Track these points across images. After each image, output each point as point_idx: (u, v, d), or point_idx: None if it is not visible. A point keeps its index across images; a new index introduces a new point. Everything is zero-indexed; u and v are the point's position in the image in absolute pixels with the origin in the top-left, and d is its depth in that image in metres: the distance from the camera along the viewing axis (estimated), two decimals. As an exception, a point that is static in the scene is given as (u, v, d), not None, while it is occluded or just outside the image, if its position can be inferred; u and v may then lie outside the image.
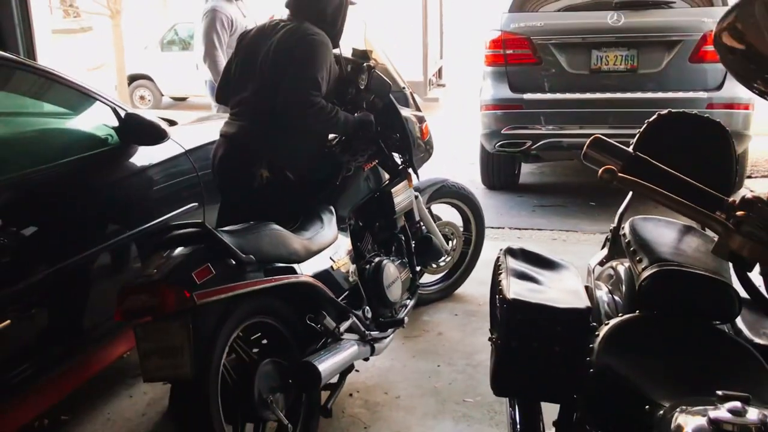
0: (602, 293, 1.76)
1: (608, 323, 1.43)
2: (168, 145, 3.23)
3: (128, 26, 15.82)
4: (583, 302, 1.59)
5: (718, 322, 1.45)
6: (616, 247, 1.84)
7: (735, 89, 5.24)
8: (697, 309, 1.44)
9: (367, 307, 3.00)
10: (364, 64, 3.08)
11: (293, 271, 2.57)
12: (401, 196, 3.36)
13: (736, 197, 1.14)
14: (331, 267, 2.82)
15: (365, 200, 3.24)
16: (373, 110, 3.18)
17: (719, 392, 0.97)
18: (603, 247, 1.97)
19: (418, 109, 3.83)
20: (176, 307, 2.12)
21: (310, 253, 2.70)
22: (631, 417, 1.22)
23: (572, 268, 1.84)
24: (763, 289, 1.10)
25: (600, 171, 1.11)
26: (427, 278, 3.98)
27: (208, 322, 2.23)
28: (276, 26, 3.00)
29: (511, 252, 1.86)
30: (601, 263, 1.90)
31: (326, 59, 2.90)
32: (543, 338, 1.55)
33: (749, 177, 6.33)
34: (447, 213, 4.12)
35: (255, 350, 2.52)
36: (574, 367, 1.42)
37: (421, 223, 3.59)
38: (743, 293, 1.43)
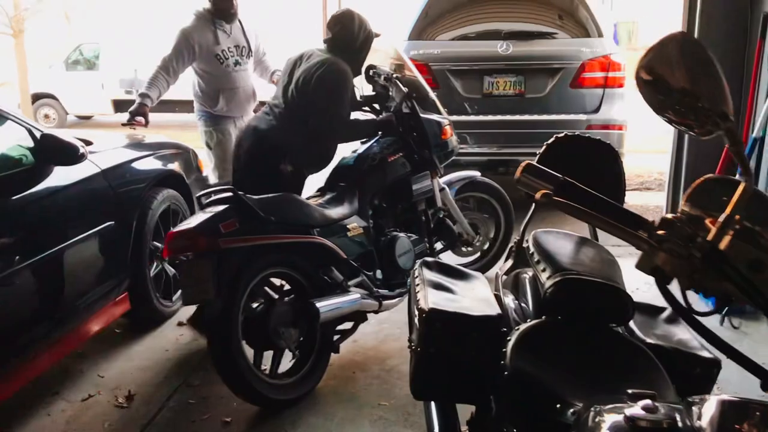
0: (509, 300, 1.81)
1: (518, 329, 1.47)
2: (84, 165, 3.10)
3: (31, 45, 15.07)
4: (495, 309, 1.63)
5: (614, 325, 1.53)
6: (519, 257, 1.90)
7: (610, 112, 5.51)
8: (596, 313, 1.50)
9: (379, 271, 3.41)
10: (393, 76, 3.64)
11: (309, 233, 3.02)
12: (420, 184, 3.74)
13: (653, 216, 1.20)
14: (347, 234, 3.26)
15: (388, 185, 3.61)
16: (398, 113, 3.65)
17: (629, 391, 1.01)
18: (507, 258, 2.02)
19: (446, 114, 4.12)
20: (205, 248, 2.65)
21: (327, 221, 3.16)
22: (543, 415, 1.27)
23: (482, 277, 1.88)
24: (680, 299, 1.16)
25: (538, 195, 1.13)
26: (459, 260, 4.09)
27: (231, 263, 2.72)
28: (312, 54, 3.56)
29: (426, 264, 1.89)
30: (507, 272, 1.96)
31: (348, 88, 3.50)
32: (459, 344, 1.57)
33: (622, 190, 6.66)
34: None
35: (277, 295, 3.02)
36: (489, 370, 1.46)
37: (448, 210, 3.94)
38: (636, 298, 1.52)
